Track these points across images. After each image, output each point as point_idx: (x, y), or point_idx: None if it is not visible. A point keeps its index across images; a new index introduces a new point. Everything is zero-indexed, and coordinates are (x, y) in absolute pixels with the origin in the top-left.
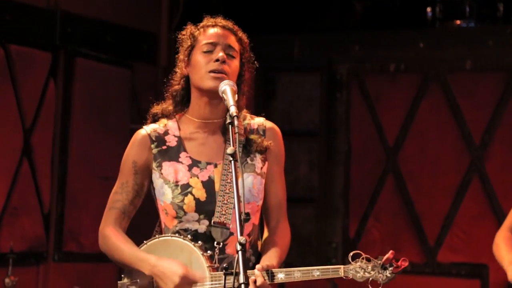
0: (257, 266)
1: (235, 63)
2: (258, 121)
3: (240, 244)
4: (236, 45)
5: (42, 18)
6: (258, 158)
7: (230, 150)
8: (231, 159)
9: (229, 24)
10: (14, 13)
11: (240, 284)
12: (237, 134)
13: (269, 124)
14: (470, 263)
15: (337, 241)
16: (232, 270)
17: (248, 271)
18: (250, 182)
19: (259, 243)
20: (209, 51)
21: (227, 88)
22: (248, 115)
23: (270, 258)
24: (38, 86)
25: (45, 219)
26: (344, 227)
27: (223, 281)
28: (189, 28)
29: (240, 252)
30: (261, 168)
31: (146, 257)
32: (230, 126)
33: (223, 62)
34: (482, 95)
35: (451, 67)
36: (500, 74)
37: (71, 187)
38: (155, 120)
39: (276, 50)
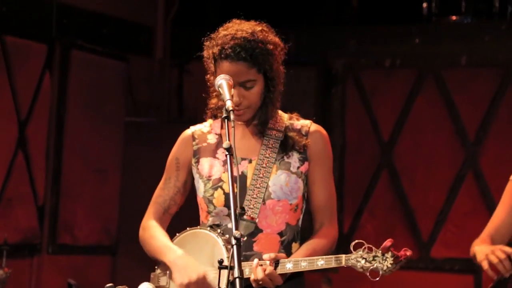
0: (264, 256)
1: (254, 91)
2: (303, 123)
3: (235, 238)
4: (251, 73)
5: (38, 10)
6: (295, 156)
7: (225, 144)
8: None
9: (242, 48)
10: (10, 5)
11: (234, 278)
12: (233, 128)
13: (314, 126)
14: (463, 259)
15: None
16: (227, 264)
17: (261, 260)
18: (283, 180)
19: (295, 245)
20: None
21: (223, 83)
22: (295, 117)
23: (295, 255)
24: (34, 77)
25: (40, 211)
26: (339, 222)
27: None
28: (207, 47)
29: (235, 247)
30: (298, 167)
31: (173, 248)
32: (226, 120)
33: (237, 105)
34: (477, 91)
35: (447, 62)
36: (495, 69)
37: (66, 179)
38: (213, 115)
39: None
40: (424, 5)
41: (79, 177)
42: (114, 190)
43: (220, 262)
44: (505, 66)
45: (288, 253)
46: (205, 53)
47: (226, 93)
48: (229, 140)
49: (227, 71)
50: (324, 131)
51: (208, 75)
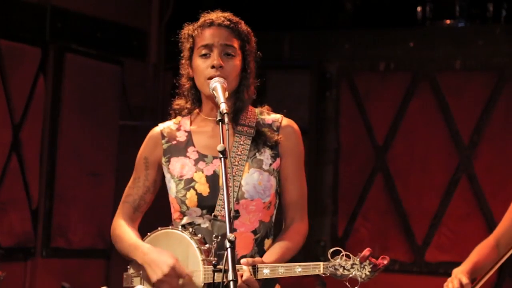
0: (242, 261)
1: (235, 62)
2: (274, 117)
3: (229, 241)
4: (234, 42)
5: (32, 13)
6: (267, 153)
7: (220, 147)
8: (221, 156)
9: (226, 19)
10: (4, 8)
11: (229, 281)
12: (227, 131)
13: (286, 121)
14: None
15: (325, 239)
16: (221, 267)
17: (237, 266)
18: (256, 179)
19: (267, 242)
20: (206, 54)
21: (217, 86)
22: (266, 111)
23: (269, 254)
24: (28, 81)
25: (33, 214)
26: (333, 226)
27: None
28: (187, 28)
29: (229, 249)
30: (270, 164)
31: (140, 245)
32: (220, 123)
33: (220, 67)
34: (471, 95)
35: (441, 66)
36: (489, 73)
37: (60, 183)
38: (176, 114)
39: (266, 48)
40: (419, 9)
41: (73, 180)
42: (108, 193)
43: (215, 265)
44: (499, 70)
45: (261, 250)
46: (182, 39)
47: (220, 95)
48: (223, 143)
49: (210, 35)
50: (295, 126)
51: (182, 67)
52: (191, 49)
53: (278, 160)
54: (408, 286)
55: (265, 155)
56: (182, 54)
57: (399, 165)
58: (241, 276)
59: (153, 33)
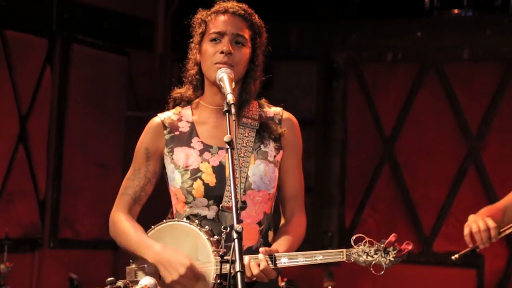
0: (261, 249)
1: (244, 51)
2: (275, 110)
3: (237, 232)
4: (246, 32)
5: (39, 4)
6: (271, 145)
7: (226, 138)
8: (227, 147)
9: (241, 8)
10: None
11: (236, 272)
12: (234, 122)
13: (286, 114)
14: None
15: (333, 230)
16: (228, 258)
17: (252, 255)
18: (262, 170)
19: (270, 234)
20: (216, 39)
21: (224, 76)
22: (266, 104)
23: (279, 245)
24: (35, 72)
25: (41, 205)
26: (340, 216)
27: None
28: (201, 14)
29: (236, 240)
30: (274, 156)
31: (151, 244)
32: (227, 114)
33: (229, 53)
34: (479, 85)
35: (449, 56)
36: (497, 63)
37: (67, 174)
38: (176, 104)
39: (273, 39)
40: None
41: (80, 171)
42: (115, 184)
43: (222, 256)
44: (507, 60)
45: (266, 241)
46: (194, 24)
47: (227, 86)
48: (230, 133)
49: (223, 22)
50: (295, 119)
51: (190, 52)
52: (202, 34)
53: (281, 152)
54: (415, 277)
55: (270, 147)
56: (192, 39)
57: (406, 156)
58: (258, 266)
59: (159, 23)
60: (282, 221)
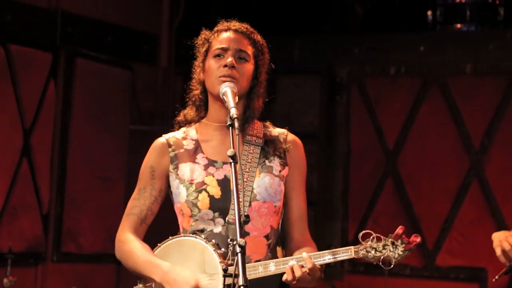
0: (304, 254)
1: (247, 67)
2: (280, 131)
3: (240, 246)
4: (249, 49)
5: (43, 18)
6: (276, 161)
7: (230, 151)
8: (231, 161)
9: (243, 27)
10: (14, 13)
11: (239, 287)
12: (237, 136)
13: (291, 136)
14: (469, 267)
15: (336, 244)
16: (231, 272)
17: (297, 256)
18: (267, 182)
19: (279, 249)
20: (220, 55)
21: (227, 90)
22: (271, 125)
23: (306, 250)
24: (38, 86)
25: (44, 219)
26: (343, 230)
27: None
28: (204, 33)
29: (239, 254)
30: (280, 171)
31: (158, 263)
32: (230, 128)
33: (232, 67)
34: (482, 99)
35: (451, 70)
36: (500, 78)
37: (70, 188)
38: (180, 127)
39: (276, 52)
40: (429, 13)
41: (84, 185)
42: (118, 198)
43: (225, 270)
44: (510, 74)
45: (274, 256)
46: (198, 43)
47: (230, 100)
48: (233, 147)
49: (226, 39)
50: (299, 141)
51: (194, 71)
52: (206, 52)
53: (286, 168)
54: None
55: (275, 162)
56: (195, 59)
57: (409, 170)
58: (302, 267)
59: (163, 37)
60: (289, 242)
